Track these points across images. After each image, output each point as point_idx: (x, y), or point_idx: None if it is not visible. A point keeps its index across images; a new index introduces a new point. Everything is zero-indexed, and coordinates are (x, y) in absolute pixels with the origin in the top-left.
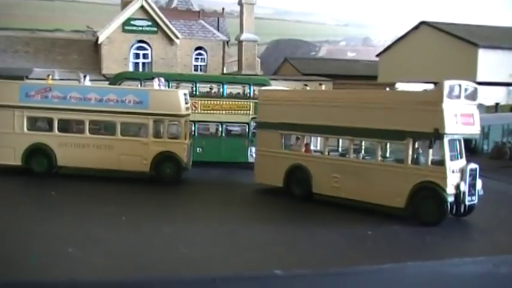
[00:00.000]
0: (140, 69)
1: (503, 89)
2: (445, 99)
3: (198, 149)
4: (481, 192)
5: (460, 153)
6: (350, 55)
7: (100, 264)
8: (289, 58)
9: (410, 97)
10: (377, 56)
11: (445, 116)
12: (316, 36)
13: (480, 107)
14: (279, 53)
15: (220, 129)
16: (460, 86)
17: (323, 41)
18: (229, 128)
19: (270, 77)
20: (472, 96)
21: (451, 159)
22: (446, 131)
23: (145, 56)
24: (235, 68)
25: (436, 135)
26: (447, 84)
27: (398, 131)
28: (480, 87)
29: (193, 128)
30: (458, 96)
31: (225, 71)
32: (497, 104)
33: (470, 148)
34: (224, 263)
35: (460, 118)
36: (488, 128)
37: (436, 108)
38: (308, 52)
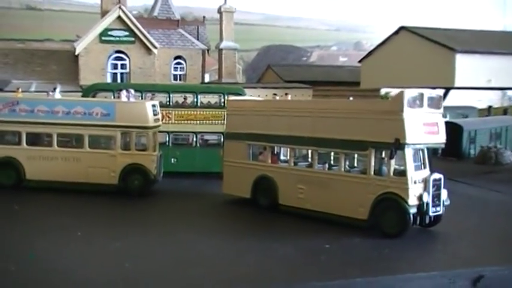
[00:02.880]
0: (118, 79)
1: (498, 91)
2: (406, 108)
3: (172, 159)
4: (447, 202)
5: (424, 163)
6: (342, 60)
7: (35, 282)
8: (272, 65)
9: (371, 106)
10: (359, 62)
11: (406, 126)
12: (307, 41)
13: (473, 110)
14: (269, 59)
15: (194, 139)
16: (422, 94)
17: (314, 46)
18: (205, 137)
19: (248, 85)
20: (436, 104)
21: (415, 170)
22: (408, 140)
23: (123, 66)
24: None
25: (397, 145)
26: (407, 93)
27: (360, 141)
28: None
29: (167, 139)
30: (421, 105)
31: (207, 79)
32: (490, 106)
33: (458, 153)
34: (162, 280)
35: (422, 127)
36: (475, 133)
37: (397, 117)
38: (299, 57)
